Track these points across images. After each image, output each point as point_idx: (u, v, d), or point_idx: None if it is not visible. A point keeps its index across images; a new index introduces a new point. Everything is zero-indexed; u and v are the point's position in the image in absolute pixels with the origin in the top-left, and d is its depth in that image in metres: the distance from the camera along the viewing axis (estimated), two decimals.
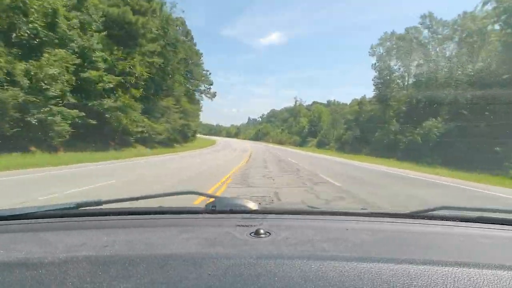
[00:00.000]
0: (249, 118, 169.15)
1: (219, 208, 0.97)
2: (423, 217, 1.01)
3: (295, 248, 0.66)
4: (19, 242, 0.68)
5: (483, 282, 0.51)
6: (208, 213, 0.98)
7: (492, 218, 0.99)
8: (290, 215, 1.03)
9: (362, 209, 1.14)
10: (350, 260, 0.57)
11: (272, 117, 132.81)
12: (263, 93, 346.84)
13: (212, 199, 1.03)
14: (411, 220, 1.00)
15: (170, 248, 0.64)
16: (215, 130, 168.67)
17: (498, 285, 0.51)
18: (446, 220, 0.98)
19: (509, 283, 0.52)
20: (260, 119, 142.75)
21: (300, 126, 73.56)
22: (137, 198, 1.04)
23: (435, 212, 1.01)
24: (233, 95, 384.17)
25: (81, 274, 0.53)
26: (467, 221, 0.98)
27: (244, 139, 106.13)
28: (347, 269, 0.54)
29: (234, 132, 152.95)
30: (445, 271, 0.53)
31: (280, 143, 70.67)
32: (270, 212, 1.00)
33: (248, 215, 0.93)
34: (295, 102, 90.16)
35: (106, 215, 0.97)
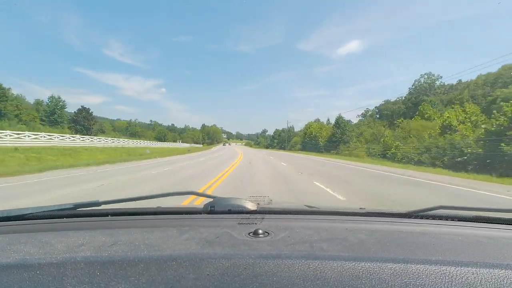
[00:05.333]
0: (327, 120, 70.61)
1: (218, 209, 0.97)
2: (421, 217, 1.02)
3: (293, 248, 0.66)
4: (17, 243, 0.68)
5: (480, 281, 0.52)
6: (207, 213, 0.98)
7: (489, 218, 1.00)
8: (289, 215, 1.03)
9: (361, 209, 1.14)
10: (348, 260, 0.57)
11: (377, 113, 58.06)
12: (342, 105, 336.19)
13: (211, 199, 1.03)
14: (409, 220, 1.00)
15: (169, 249, 0.64)
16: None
17: (495, 284, 0.51)
18: (444, 220, 0.99)
19: (506, 282, 0.52)
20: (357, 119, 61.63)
21: None
22: (135, 199, 1.03)
23: (432, 212, 1.02)
24: (312, 107, 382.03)
25: (79, 275, 0.53)
26: (464, 221, 0.99)
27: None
28: (346, 268, 0.54)
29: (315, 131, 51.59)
30: (443, 270, 0.54)
31: None
32: (269, 212, 1.00)
33: (246, 215, 0.94)
34: None
35: (104, 216, 0.97)
